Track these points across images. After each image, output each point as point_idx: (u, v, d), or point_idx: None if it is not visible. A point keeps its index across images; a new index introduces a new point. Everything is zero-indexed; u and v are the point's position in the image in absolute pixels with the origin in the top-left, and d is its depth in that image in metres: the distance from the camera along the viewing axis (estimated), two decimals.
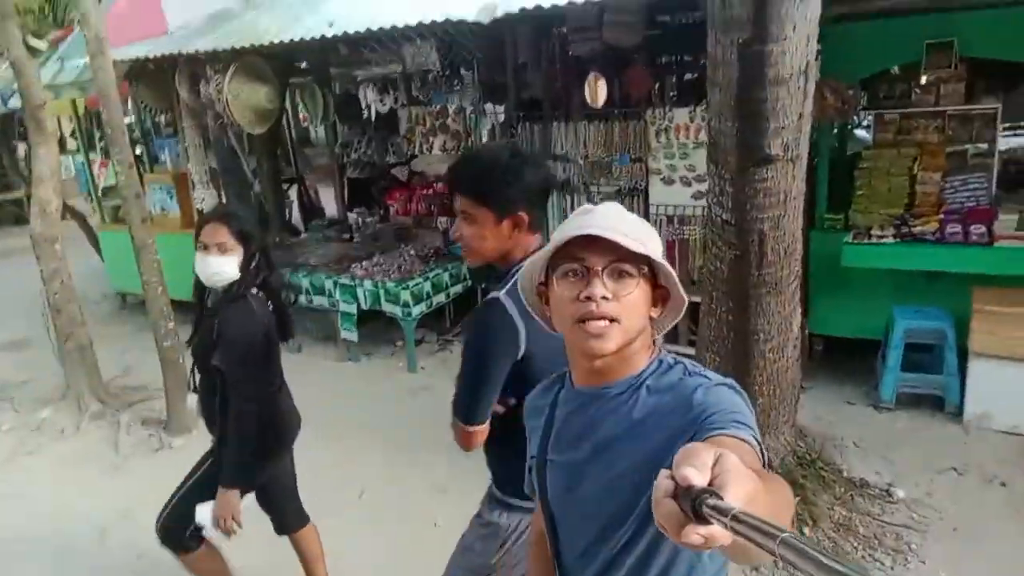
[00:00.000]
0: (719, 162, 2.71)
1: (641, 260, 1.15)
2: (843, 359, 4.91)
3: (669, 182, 4.96)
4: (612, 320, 1.14)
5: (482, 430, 1.81)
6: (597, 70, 5.03)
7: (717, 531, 0.60)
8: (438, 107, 5.80)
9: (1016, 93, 4.86)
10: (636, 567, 1.18)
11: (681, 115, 4.83)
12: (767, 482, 0.79)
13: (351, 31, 4.46)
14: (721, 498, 0.61)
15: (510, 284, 1.71)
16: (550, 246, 1.20)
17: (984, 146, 4.51)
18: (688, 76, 6.54)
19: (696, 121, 4.76)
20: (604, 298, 1.13)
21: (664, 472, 0.65)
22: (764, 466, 0.98)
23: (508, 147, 1.87)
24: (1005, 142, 5.69)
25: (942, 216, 4.34)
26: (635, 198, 5.12)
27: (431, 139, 6.02)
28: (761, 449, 1.00)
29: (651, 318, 1.21)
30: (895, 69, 4.83)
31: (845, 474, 3.67)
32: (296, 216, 8.10)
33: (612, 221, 1.16)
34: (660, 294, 1.21)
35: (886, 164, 4.65)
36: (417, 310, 5.52)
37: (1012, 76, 4.68)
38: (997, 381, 3.97)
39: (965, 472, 3.74)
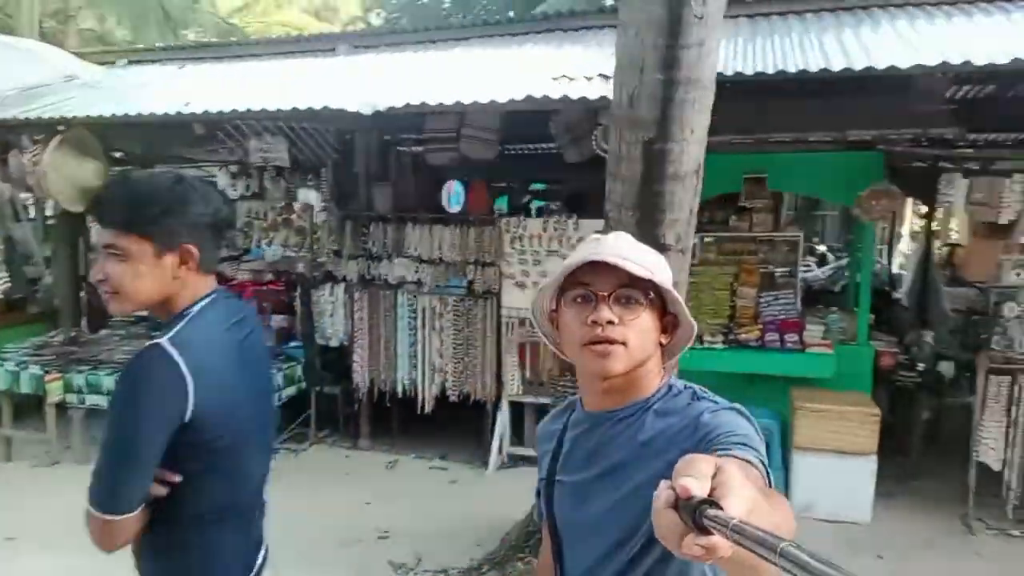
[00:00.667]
0: None
1: (648, 286, 1.19)
2: None
3: (521, 286, 5.13)
4: (619, 343, 1.17)
5: (129, 521, 1.37)
6: (455, 179, 5.21)
7: (718, 541, 0.60)
8: (284, 203, 5.62)
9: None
10: None
11: (535, 225, 5.10)
12: (768, 498, 0.81)
13: (213, 111, 4.25)
14: (721, 508, 0.61)
15: (179, 327, 1.44)
16: (560, 273, 1.23)
17: (788, 269, 5.24)
18: (525, 199, 7.01)
19: (549, 230, 5.05)
20: (610, 322, 1.16)
21: (664, 483, 0.65)
22: (768, 481, 1.00)
23: (171, 175, 1.57)
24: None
25: (761, 326, 4.89)
26: (488, 301, 5.22)
27: (271, 234, 5.77)
28: (767, 471, 1.02)
29: (661, 344, 1.24)
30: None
31: None
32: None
33: (620, 249, 1.20)
34: (670, 320, 1.25)
35: (710, 279, 5.21)
36: None
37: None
38: (817, 473, 4.41)
39: None
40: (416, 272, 5.38)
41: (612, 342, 1.16)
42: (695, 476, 0.64)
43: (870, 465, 4.33)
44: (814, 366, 4.71)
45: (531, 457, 4.92)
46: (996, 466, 4.16)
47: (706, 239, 5.37)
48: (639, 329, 1.18)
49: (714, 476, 0.65)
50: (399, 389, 5.49)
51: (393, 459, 5.48)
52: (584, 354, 1.19)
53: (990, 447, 4.15)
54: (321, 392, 5.72)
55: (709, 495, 0.63)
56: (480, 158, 5.15)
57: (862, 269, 4.99)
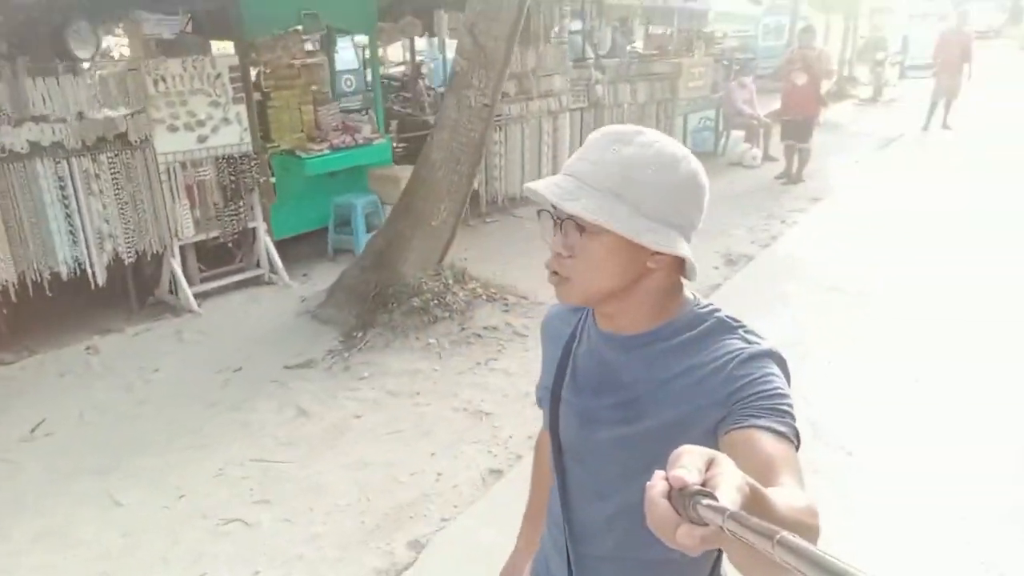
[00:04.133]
0: (488, 66, 4.49)
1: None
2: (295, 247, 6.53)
3: (173, 129, 5.21)
4: (566, 276, 1.07)
5: None
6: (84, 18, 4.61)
7: (712, 532, 0.60)
8: None
9: None
10: None
11: (175, 65, 5.14)
12: (777, 489, 0.80)
13: None
14: (716, 499, 0.61)
15: None
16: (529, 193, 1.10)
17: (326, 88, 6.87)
18: None
19: (189, 69, 5.22)
20: (559, 254, 1.07)
21: (659, 473, 0.65)
22: (796, 449, 0.96)
23: None
24: None
25: (342, 131, 6.59)
26: (144, 150, 5.08)
27: None
28: (797, 436, 0.97)
29: (650, 268, 1.06)
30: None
31: None
32: None
33: (577, 163, 1.06)
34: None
35: (283, 103, 6.41)
36: None
37: None
38: None
39: None
40: (54, 134, 4.62)
41: (557, 274, 1.08)
42: (688, 467, 0.64)
43: None
44: (381, 153, 6.82)
45: (207, 292, 5.53)
46: None
47: (266, 70, 6.40)
48: (589, 261, 1.05)
49: (709, 468, 0.65)
50: (63, 272, 4.81)
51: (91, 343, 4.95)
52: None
53: None
54: None
55: (703, 485, 0.63)
56: None
57: (375, 83, 7.10)
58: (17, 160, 4.51)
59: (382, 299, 5.06)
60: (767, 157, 10.16)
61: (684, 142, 11.20)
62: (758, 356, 1.03)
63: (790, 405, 0.99)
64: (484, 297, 5.28)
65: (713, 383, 1.02)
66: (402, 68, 12.08)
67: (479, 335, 4.92)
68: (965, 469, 3.38)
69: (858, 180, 9.22)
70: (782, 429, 0.95)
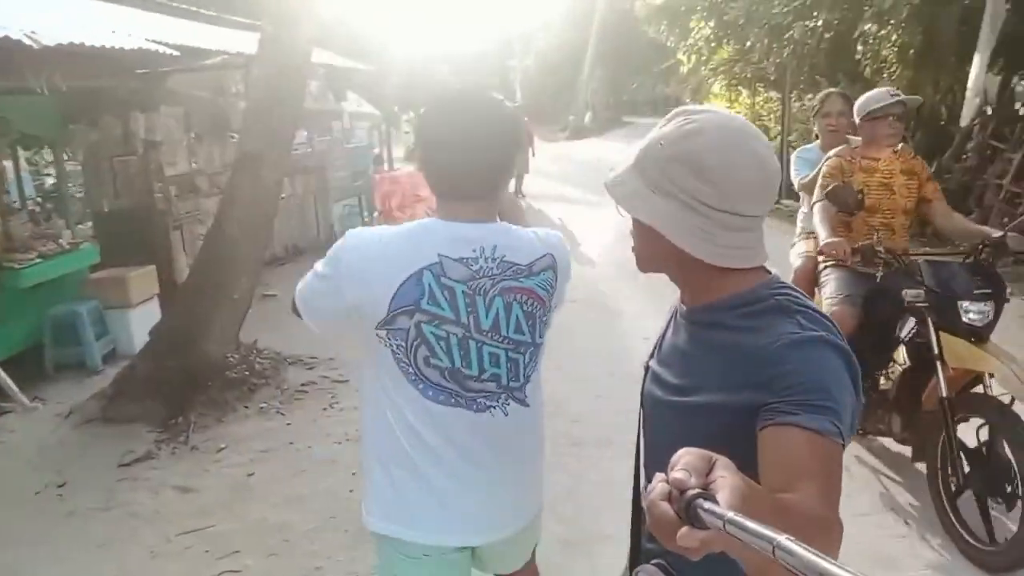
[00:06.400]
0: (280, 147, 4.90)
1: None
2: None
3: None
4: (634, 246, 1.18)
5: None
6: None
7: (713, 535, 0.59)
8: None
9: None
10: None
11: None
12: (787, 496, 0.80)
13: None
14: (717, 502, 0.60)
15: None
16: None
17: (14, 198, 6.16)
18: None
19: None
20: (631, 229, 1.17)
21: (659, 476, 0.65)
22: (843, 444, 0.95)
23: None
24: None
25: (40, 239, 6.03)
26: None
27: None
28: (841, 433, 0.94)
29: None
30: None
31: None
32: None
33: (643, 142, 1.13)
34: None
35: None
36: None
37: None
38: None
39: None
40: None
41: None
42: (688, 470, 0.63)
43: None
44: (91, 256, 6.36)
45: None
46: None
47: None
48: (642, 235, 1.14)
49: (710, 471, 0.65)
50: None
51: None
52: None
53: None
54: None
55: (704, 489, 0.62)
56: None
57: (63, 189, 6.52)
58: None
59: (191, 380, 4.97)
60: None
61: (335, 226, 12.41)
62: (807, 343, 0.99)
63: (835, 400, 0.95)
64: (287, 362, 5.55)
65: (755, 363, 1.00)
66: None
67: (303, 391, 5.20)
68: None
69: None
70: (818, 427, 0.92)
